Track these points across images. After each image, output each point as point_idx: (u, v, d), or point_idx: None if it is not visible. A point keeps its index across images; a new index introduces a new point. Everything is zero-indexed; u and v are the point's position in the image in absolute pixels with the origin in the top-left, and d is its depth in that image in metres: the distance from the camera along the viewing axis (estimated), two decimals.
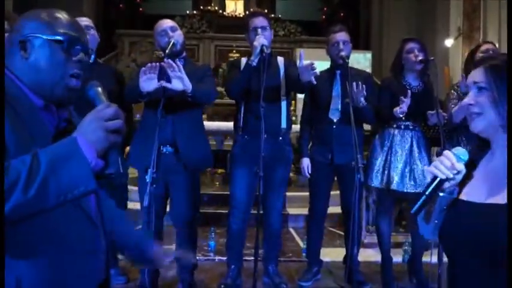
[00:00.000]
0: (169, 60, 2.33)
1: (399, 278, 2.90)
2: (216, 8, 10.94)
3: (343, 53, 2.67)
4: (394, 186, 2.65)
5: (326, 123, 2.78)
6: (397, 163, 2.67)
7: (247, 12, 10.87)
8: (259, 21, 2.67)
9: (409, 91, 2.58)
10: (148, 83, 2.28)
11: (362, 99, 2.55)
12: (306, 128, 2.95)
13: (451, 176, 1.13)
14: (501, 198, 1.08)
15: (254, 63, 2.52)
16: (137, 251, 1.26)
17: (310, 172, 2.83)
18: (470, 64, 2.66)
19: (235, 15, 10.76)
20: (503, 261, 1.03)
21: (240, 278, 2.75)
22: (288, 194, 4.80)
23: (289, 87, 2.76)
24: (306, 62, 2.42)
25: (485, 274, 1.09)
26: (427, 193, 1.13)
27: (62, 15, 1.06)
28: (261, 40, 2.51)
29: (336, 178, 2.92)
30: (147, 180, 2.19)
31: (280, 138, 2.71)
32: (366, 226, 3.78)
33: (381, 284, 2.81)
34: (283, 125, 2.73)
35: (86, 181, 0.87)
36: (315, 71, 2.41)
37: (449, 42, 6.82)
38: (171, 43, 2.43)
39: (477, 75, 1.16)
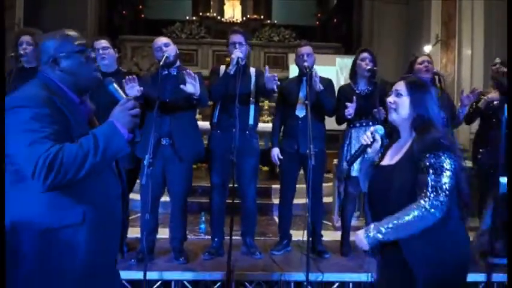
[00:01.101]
0: (189, 70, 2.96)
1: (355, 249, 3.44)
2: (215, 14, 11.46)
3: (306, 64, 3.25)
4: (353, 173, 3.24)
5: (294, 119, 3.38)
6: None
7: (244, 18, 11.56)
8: (237, 38, 3.26)
9: (354, 97, 3.18)
10: (132, 90, 2.85)
11: (319, 85, 3.18)
12: (276, 124, 3.54)
13: (369, 142, 1.81)
14: (394, 161, 1.75)
15: (231, 72, 3.11)
16: None
17: (280, 158, 3.42)
18: (410, 72, 3.28)
19: (233, 21, 11.27)
20: (393, 200, 1.66)
21: (222, 249, 3.32)
22: (273, 186, 5.46)
23: (258, 93, 3.36)
24: (269, 74, 3.09)
25: (381, 213, 1.69)
26: (357, 152, 1.85)
27: (70, 32, 1.57)
28: (237, 53, 3.09)
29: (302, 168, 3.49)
30: (145, 163, 2.76)
31: (247, 132, 3.28)
32: (338, 212, 4.35)
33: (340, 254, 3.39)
34: (251, 122, 3.31)
35: (125, 147, 1.43)
36: (276, 80, 3.07)
37: (427, 49, 7.35)
38: (165, 56, 3.01)
39: (399, 85, 1.80)
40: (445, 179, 1.58)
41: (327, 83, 3.40)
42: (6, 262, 1.38)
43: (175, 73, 3.12)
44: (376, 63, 3.30)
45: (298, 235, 3.68)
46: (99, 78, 1.59)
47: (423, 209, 1.56)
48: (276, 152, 3.44)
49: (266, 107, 6.70)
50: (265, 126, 6.04)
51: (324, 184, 3.79)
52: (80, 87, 1.55)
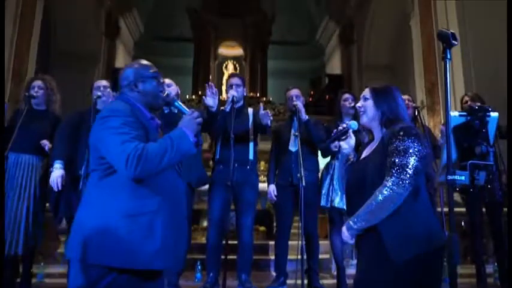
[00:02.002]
0: (211, 83, 3.30)
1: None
2: None
3: (295, 102, 3.53)
4: (335, 204, 3.36)
5: (287, 154, 3.58)
6: (336, 186, 3.41)
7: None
8: (235, 80, 3.60)
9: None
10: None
11: (304, 115, 3.46)
12: (272, 163, 3.74)
13: (343, 129, 2.01)
14: (366, 154, 1.92)
15: (227, 109, 3.37)
16: None
17: (276, 194, 3.55)
18: None
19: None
20: (367, 190, 1.78)
21: (218, 284, 3.31)
22: (270, 242, 5.45)
23: (256, 130, 3.59)
24: (263, 111, 3.43)
25: (358, 205, 1.82)
26: (335, 135, 2.03)
27: (145, 62, 2.00)
28: (233, 93, 3.41)
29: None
30: None
31: (248, 167, 3.47)
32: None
33: None
34: (251, 157, 3.51)
35: (192, 148, 1.77)
36: (270, 116, 3.38)
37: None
38: (165, 93, 3.29)
39: (365, 91, 2.02)
40: (410, 159, 1.69)
41: (316, 120, 3.67)
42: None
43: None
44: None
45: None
46: (165, 98, 1.99)
47: (388, 189, 1.68)
48: (272, 188, 3.59)
49: (262, 168, 6.88)
50: (262, 186, 6.17)
51: (321, 242, 3.86)
52: (152, 105, 1.94)
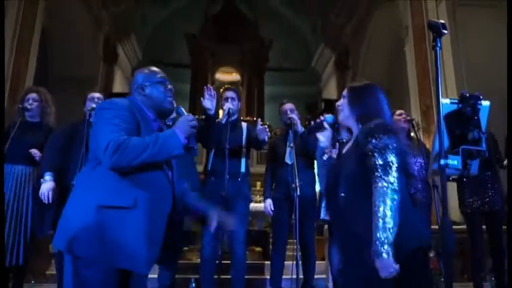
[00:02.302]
0: (209, 85, 3.36)
1: None
2: None
3: (289, 115, 3.54)
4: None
5: (283, 167, 3.57)
6: None
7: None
8: (230, 93, 3.62)
9: (336, 143, 3.41)
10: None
11: (300, 127, 3.48)
12: (268, 177, 3.72)
13: (319, 122, 2.01)
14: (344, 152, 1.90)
15: (223, 121, 3.37)
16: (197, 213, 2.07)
17: (272, 209, 3.52)
18: None
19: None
20: (341, 185, 1.76)
21: None
22: (266, 262, 5.35)
23: (250, 144, 3.58)
24: (261, 126, 3.41)
25: (333, 199, 1.79)
26: (312, 126, 2.05)
27: (154, 68, 2.05)
28: (228, 105, 3.42)
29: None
30: None
31: (239, 179, 3.43)
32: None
33: None
34: (243, 169, 3.48)
35: (179, 149, 1.77)
36: (267, 131, 3.38)
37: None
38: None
39: (343, 92, 2.01)
40: (391, 157, 1.64)
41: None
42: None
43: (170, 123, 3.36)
44: None
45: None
46: (172, 103, 2.02)
47: (384, 189, 1.59)
48: (268, 203, 3.56)
49: (258, 188, 6.85)
50: (257, 206, 6.11)
51: (318, 262, 3.80)
52: (158, 109, 1.98)
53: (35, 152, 3.38)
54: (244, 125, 3.71)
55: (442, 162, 1.31)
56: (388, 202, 1.58)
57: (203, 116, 3.36)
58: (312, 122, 2.06)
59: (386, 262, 1.53)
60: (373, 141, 1.68)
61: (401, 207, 1.64)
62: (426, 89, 8.11)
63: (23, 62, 7.25)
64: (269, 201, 3.58)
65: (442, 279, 3.84)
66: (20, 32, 7.16)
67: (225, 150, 3.20)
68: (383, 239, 1.55)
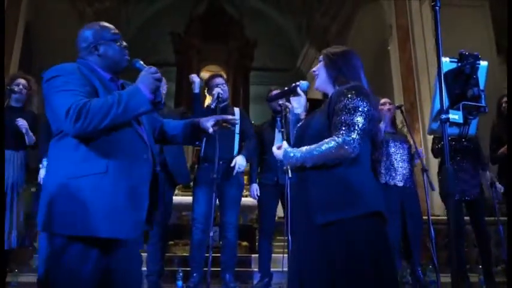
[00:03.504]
0: (195, 75, 3.43)
1: None
2: None
3: (281, 102, 3.53)
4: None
5: (271, 153, 3.50)
6: None
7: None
8: (219, 80, 3.62)
9: None
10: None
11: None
12: (254, 161, 3.69)
13: (293, 85, 1.97)
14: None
15: (212, 106, 3.35)
16: (188, 128, 1.95)
17: (258, 194, 3.49)
18: None
19: None
20: (306, 144, 1.72)
21: (201, 285, 3.19)
22: (253, 255, 5.35)
23: (242, 131, 3.57)
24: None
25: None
26: (280, 92, 2.06)
27: (104, 23, 1.86)
28: (218, 90, 3.39)
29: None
30: None
31: (232, 164, 3.41)
32: None
33: None
34: (235, 153, 3.46)
35: (146, 104, 1.63)
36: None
37: None
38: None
39: (319, 57, 1.96)
40: (358, 118, 1.62)
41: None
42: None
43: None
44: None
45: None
46: (127, 60, 1.86)
47: (337, 143, 1.59)
48: (255, 187, 3.53)
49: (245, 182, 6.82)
50: (243, 200, 6.09)
51: None
52: (113, 68, 1.82)
53: (19, 122, 3.31)
54: (236, 110, 3.70)
55: (444, 116, 1.33)
56: (333, 151, 1.60)
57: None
58: (285, 88, 2.02)
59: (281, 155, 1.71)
60: (345, 100, 1.66)
61: (360, 173, 1.65)
62: (410, 87, 8.25)
63: (6, 57, 7.11)
64: (255, 185, 3.56)
65: (430, 266, 3.88)
66: (4, 26, 7.02)
67: (215, 135, 3.16)
68: (300, 155, 1.66)
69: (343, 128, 1.61)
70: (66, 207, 1.55)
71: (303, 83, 1.96)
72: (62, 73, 1.65)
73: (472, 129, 1.46)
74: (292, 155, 1.69)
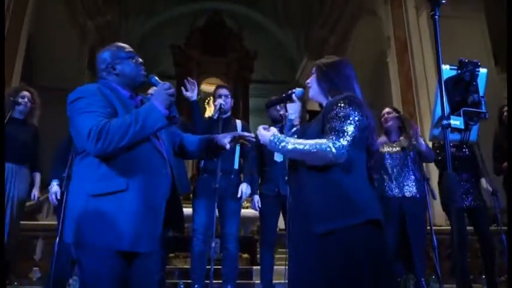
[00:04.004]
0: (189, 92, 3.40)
1: None
2: None
3: (282, 112, 3.55)
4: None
5: (272, 164, 3.53)
6: None
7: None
8: (223, 91, 3.63)
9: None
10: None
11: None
12: (255, 174, 3.68)
13: (288, 94, 1.98)
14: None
15: (214, 117, 3.38)
16: (204, 144, 2.03)
17: (260, 206, 3.49)
18: None
19: None
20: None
21: None
22: (254, 267, 5.33)
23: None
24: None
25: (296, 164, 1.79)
26: (277, 99, 2.05)
27: (119, 44, 1.95)
28: (220, 101, 3.42)
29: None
30: None
31: (232, 176, 3.43)
32: None
33: None
34: (236, 166, 3.47)
35: (162, 119, 1.70)
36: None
37: None
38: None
39: (312, 69, 1.98)
40: (349, 127, 1.64)
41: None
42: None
43: None
44: None
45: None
46: (144, 76, 1.92)
47: (325, 145, 1.61)
48: (256, 199, 3.53)
49: None
50: (243, 211, 6.09)
51: None
52: (131, 85, 1.89)
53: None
54: (238, 122, 3.71)
55: (445, 122, 1.34)
56: (318, 152, 1.61)
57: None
58: (283, 95, 2.05)
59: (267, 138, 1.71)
60: (337, 109, 1.69)
61: (356, 182, 1.66)
62: (409, 98, 8.29)
63: (8, 69, 7.15)
64: (257, 197, 3.56)
65: (433, 277, 3.85)
66: (6, 41, 7.07)
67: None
68: (286, 144, 1.66)
69: (333, 133, 1.64)
70: (88, 222, 1.62)
71: (298, 90, 2.01)
72: (84, 95, 1.73)
73: (473, 136, 1.48)
74: (282, 144, 1.70)
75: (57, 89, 9.65)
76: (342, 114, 1.67)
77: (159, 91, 1.74)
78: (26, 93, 3.61)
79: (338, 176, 1.65)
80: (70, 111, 1.73)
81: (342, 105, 1.69)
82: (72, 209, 1.69)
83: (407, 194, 3.51)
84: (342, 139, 1.62)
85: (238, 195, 3.37)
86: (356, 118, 1.67)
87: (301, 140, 1.68)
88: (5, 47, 6.16)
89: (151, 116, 1.68)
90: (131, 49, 1.93)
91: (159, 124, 1.70)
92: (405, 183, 3.52)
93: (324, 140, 1.64)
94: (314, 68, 1.95)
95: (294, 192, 1.84)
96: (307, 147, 1.64)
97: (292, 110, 1.99)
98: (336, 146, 1.61)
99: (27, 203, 3.84)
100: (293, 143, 1.68)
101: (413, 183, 3.52)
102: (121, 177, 1.66)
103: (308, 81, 1.96)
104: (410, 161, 3.57)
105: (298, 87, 2.09)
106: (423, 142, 3.56)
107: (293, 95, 2.00)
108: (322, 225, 1.60)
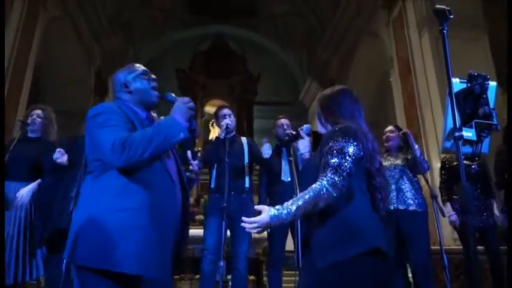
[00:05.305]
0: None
1: None
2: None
3: (288, 131, 3.57)
4: None
5: (279, 184, 3.54)
6: None
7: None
8: (227, 111, 3.68)
9: None
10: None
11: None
12: (263, 193, 3.68)
13: (294, 133, 2.07)
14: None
15: (221, 137, 3.41)
16: None
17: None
18: None
19: None
20: (304, 187, 1.73)
21: None
22: None
23: (252, 160, 3.59)
24: (266, 144, 3.47)
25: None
26: (287, 139, 1.98)
27: (133, 64, 1.99)
28: (226, 121, 3.46)
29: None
30: None
31: (244, 195, 3.43)
32: None
33: None
34: (247, 185, 3.48)
35: (183, 131, 1.70)
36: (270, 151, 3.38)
37: None
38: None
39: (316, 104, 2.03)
40: (344, 161, 1.65)
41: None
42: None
43: None
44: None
45: None
46: (157, 96, 1.95)
47: (320, 186, 1.62)
48: None
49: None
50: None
51: None
52: (145, 102, 1.92)
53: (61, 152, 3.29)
54: (244, 139, 3.74)
55: (457, 134, 1.35)
56: (316, 197, 1.61)
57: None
58: (291, 133, 2.16)
59: (263, 221, 1.63)
60: (331, 143, 1.69)
61: (356, 211, 1.66)
62: (414, 118, 8.29)
63: (15, 95, 7.24)
64: None
65: None
66: (15, 65, 7.18)
67: (225, 164, 3.19)
68: (287, 211, 1.61)
69: (327, 170, 1.65)
70: (97, 241, 1.58)
71: (305, 127, 2.11)
72: (105, 111, 1.75)
73: (485, 148, 1.48)
74: (284, 212, 1.64)
75: (64, 111, 9.80)
76: (335, 148, 1.68)
77: (179, 105, 1.77)
78: (35, 111, 3.63)
79: (338, 207, 1.66)
80: (90, 126, 1.75)
81: (335, 137, 1.70)
82: (79, 226, 1.63)
83: (403, 207, 3.49)
84: (336, 176, 1.63)
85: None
86: (350, 150, 1.67)
87: (298, 196, 1.68)
88: (5, 47, 6.22)
89: (172, 128, 1.69)
90: (143, 67, 1.97)
91: (181, 136, 1.70)
92: (403, 197, 3.50)
93: (318, 183, 1.64)
94: (317, 100, 2.01)
95: (306, 226, 1.85)
96: (306, 197, 1.63)
97: (303, 146, 2.06)
98: (332, 185, 1.62)
99: None
100: (293, 203, 1.65)
101: (411, 198, 3.50)
102: (137, 195, 1.65)
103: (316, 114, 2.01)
104: (408, 174, 3.58)
105: (302, 108, 2.15)
106: (418, 150, 3.56)
107: (301, 132, 2.07)
108: (322, 260, 1.60)
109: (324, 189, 1.61)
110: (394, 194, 3.53)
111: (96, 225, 1.59)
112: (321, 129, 1.93)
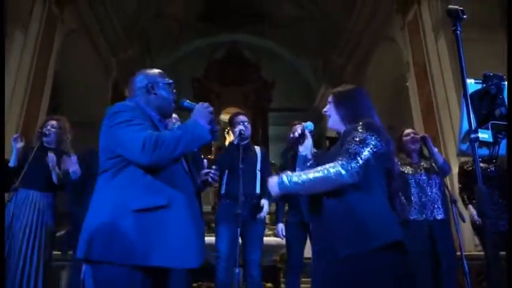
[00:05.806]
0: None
1: None
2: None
3: (292, 135, 3.56)
4: None
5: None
6: None
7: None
8: (242, 117, 3.69)
9: None
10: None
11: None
12: (280, 201, 3.66)
13: (297, 134, 1.99)
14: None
15: (235, 142, 3.40)
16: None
17: (284, 234, 3.45)
18: (400, 146, 3.59)
19: None
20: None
21: None
22: None
23: (264, 168, 3.58)
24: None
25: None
26: (296, 138, 2.02)
27: (162, 72, 2.03)
28: (240, 127, 3.46)
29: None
30: None
31: (254, 200, 3.43)
32: None
33: None
34: (257, 190, 3.46)
35: (207, 134, 1.76)
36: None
37: None
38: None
39: (329, 98, 2.02)
40: (363, 150, 1.66)
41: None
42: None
43: None
44: None
45: None
46: (174, 104, 2.01)
47: (335, 169, 1.63)
48: (280, 227, 3.51)
49: (268, 222, 6.74)
50: (266, 239, 6.04)
51: None
52: (163, 108, 1.95)
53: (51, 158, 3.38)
54: (257, 148, 3.74)
55: (473, 135, 1.32)
56: (328, 179, 1.62)
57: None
58: (290, 136, 2.10)
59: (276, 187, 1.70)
60: (355, 133, 1.72)
61: (375, 205, 1.66)
62: (431, 122, 8.16)
63: (35, 107, 7.38)
64: (281, 225, 3.53)
65: None
66: (34, 78, 7.32)
67: (239, 171, 3.18)
68: (295, 182, 1.65)
69: (346, 156, 1.65)
70: (132, 239, 1.59)
71: (308, 125, 2.05)
72: (125, 109, 1.78)
73: (502, 149, 1.44)
74: (293, 179, 1.69)
75: (82, 122, 9.94)
76: (358, 138, 1.69)
77: (198, 109, 1.82)
78: (50, 122, 3.71)
79: (356, 201, 1.65)
80: (109, 124, 1.76)
81: (360, 130, 1.71)
82: (105, 224, 1.62)
83: (436, 217, 3.41)
84: (353, 161, 1.63)
85: (262, 205, 3.32)
86: (373, 143, 1.68)
87: (308, 171, 1.69)
88: (4, 51, 6.33)
89: (197, 129, 1.74)
90: (168, 77, 2.02)
91: (207, 137, 1.76)
92: (432, 206, 3.43)
93: (332, 164, 1.64)
94: (330, 97, 1.98)
95: (315, 218, 1.83)
96: (316, 174, 1.64)
97: (303, 147, 2.02)
98: (346, 168, 1.62)
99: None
100: (301, 175, 1.69)
101: (440, 206, 3.42)
102: (163, 192, 1.68)
103: (325, 109, 1.99)
104: (435, 182, 3.49)
105: (317, 114, 2.13)
106: (439, 153, 3.51)
107: (306, 131, 2.03)
108: (341, 251, 1.59)
109: (336, 170, 1.61)
110: (427, 202, 3.44)
111: (127, 223, 1.60)
112: (336, 124, 1.92)
